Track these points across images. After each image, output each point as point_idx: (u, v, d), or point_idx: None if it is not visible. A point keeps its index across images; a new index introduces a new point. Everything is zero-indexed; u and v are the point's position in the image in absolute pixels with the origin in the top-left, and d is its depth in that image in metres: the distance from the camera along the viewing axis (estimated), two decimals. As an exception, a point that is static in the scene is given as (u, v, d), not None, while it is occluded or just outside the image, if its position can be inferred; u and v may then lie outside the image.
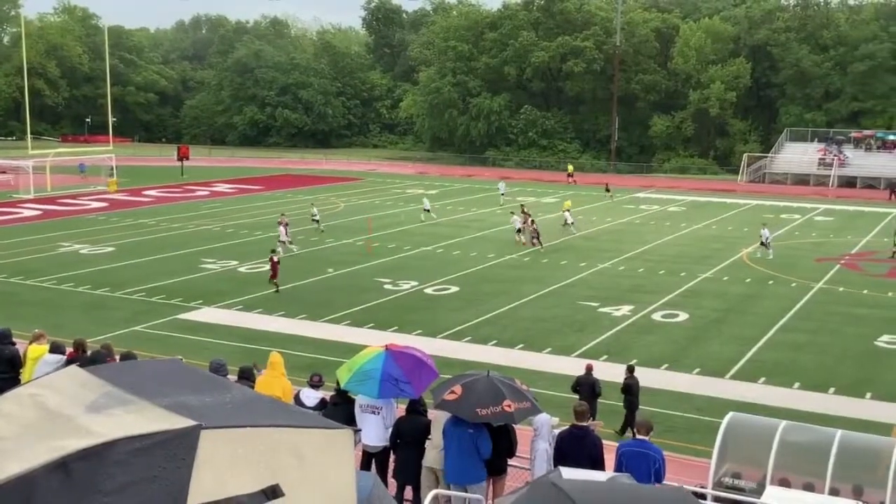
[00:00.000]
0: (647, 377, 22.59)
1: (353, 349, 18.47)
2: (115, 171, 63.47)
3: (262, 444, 2.00)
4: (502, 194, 59.83)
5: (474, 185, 70.09)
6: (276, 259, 31.97)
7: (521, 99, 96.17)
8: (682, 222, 50.79)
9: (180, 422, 1.94)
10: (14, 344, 15.63)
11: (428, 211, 49.84)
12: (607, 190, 63.77)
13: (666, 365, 23.67)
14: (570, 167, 78.66)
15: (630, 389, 18.75)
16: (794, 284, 34.03)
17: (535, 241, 40.84)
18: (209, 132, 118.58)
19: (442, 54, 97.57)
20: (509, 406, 11.48)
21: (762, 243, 39.98)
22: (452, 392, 11.58)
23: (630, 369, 19.31)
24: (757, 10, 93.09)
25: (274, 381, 13.60)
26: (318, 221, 44.93)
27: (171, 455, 1.85)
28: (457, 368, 19.08)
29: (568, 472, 2.17)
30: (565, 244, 42.20)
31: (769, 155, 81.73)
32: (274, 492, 1.86)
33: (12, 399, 2.05)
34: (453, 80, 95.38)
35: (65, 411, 1.94)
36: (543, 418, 12.27)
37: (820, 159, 78.27)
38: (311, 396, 13.30)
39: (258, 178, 72.30)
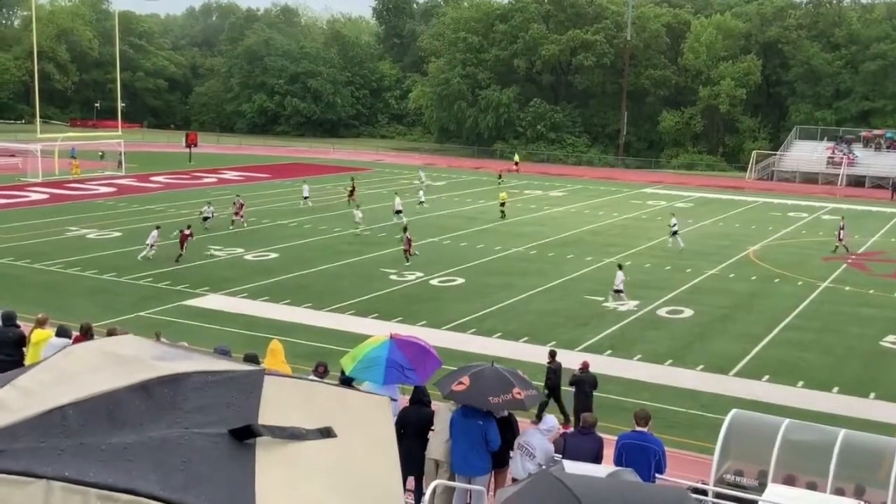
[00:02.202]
0: (651, 373, 22.64)
1: (357, 339, 18.50)
2: (74, 154, 62.98)
3: (315, 394, 2.18)
4: (423, 184, 57.98)
5: (482, 178, 70.03)
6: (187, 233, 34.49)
7: (530, 92, 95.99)
8: (688, 219, 50.68)
9: (244, 367, 2.12)
10: (18, 326, 15.69)
11: (399, 212, 44.25)
12: (500, 177, 64.97)
13: (670, 361, 23.67)
14: (517, 156, 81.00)
15: (556, 374, 18.81)
16: (800, 283, 33.97)
17: (407, 252, 34.83)
18: (218, 119, 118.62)
19: (452, 46, 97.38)
20: (519, 393, 11.55)
21: (673, 233, 40.57)
22: (460, 383, 11.61)
23: (552, 354, 19.48)
24: (769, 7, 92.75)
25: (274, 368, 13.67)
26: (358, 223, 41.57)
27: (241, 388, 2.02)
28: (461, 360, 19.10)
29: (571, 466, 2.17)
30: (573, 238, 42.15)
31: (778, 153, 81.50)
32: (329, 432, 2.05)
33: (80, 348, 2.19)
34: (463, 72, 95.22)
35: (133, 356, 2.11)
36: (546, 446, 11.84)
37: (829, 158, 78.02)
38: (315, 385, 13.33)
39: (266, 166, 72.33)
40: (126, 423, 1.88)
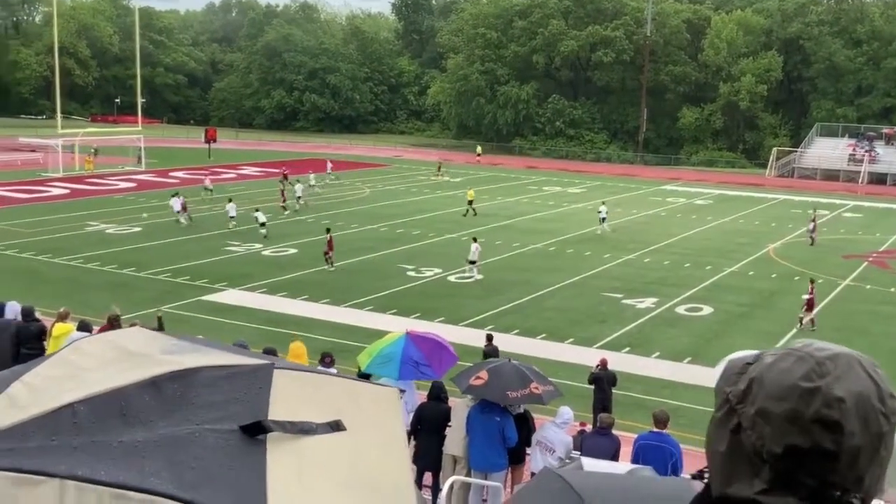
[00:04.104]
0: (670, 370, 22.54)
1: (374, 335, 18.52)
2: (93, 152, 63.54)
3: (325, 387, 2.20)
4: (312, 185, 52.73)
5: (500, 174, 69.94)
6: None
7: (549, 88, 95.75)
8: (708, 216, 50.45)
9: (254, 361, 2.13)
10: (38, 320, 15.84)
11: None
12: (439, 169, 64.35)
13: (689, 358, 23.55)
14: (479, 148, 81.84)
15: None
16: (820, 281, 33.69)
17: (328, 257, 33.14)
18: (237, 115, 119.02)
19: (471, 41, 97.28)
20: (537, 388, 11.55)
21: (602, 220, 42.31)
22: (479, 378, 11.61)
23: (489, 337, 19.94)
24: (790, 3, 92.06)
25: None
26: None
27: (250, 383, 2.03)
28: (479, 357, 19.06)
29: (590, 463, 2.15)
30: (591, 234, 42.04)
31: (799, 149, 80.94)
32: (338, 425, 2.05)
33: (87, 342, 2.19)
34: (481, 68, 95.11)
35: (141, 350, 2.11)
36: (565, 439, 11.84)
37: (850, 155, 77.40)
38: (324, 375, 13.39)
39: (284, 162, 72.44)
40: (137, 420, 1.88)
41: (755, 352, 1.49)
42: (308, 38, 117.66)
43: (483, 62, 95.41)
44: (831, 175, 75.87)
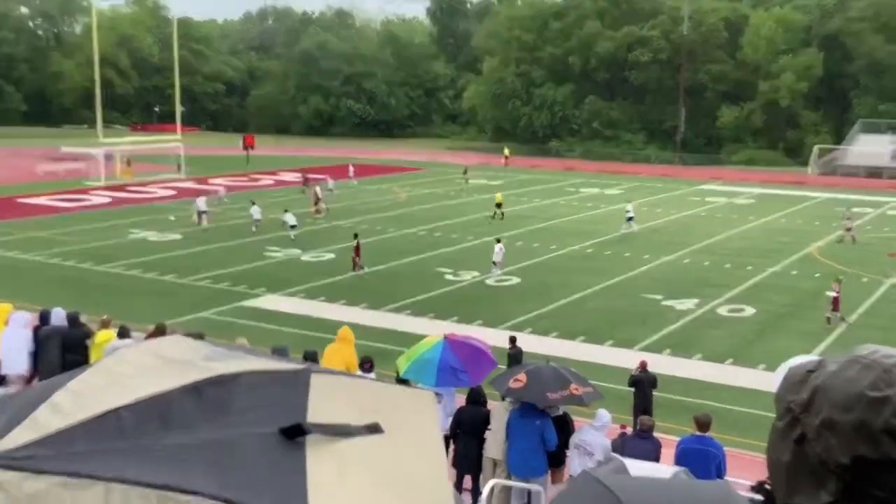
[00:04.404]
0: (712, 372, 22.28)
1: (413, 339, 18.50)
2: (129, 161, 64.41)
3: (362, 391, 2.20)
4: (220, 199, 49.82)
5: (536, 176, 69.74)
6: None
7: (585, 89, 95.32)
8: (749, 215, 49.85)
9: (291, 366, 2.14)
10: (84, 326, 16.11)
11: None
12: (465, 173, 63.03)
13: (731, 360, 23.27)
14: (507, 150, 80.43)
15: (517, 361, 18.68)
16: (865, 280, 33.16)
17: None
18: (274, 122, 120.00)
19: (506, 44, 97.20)
20: (577, 389, 11.48)
21: (629, 219, 42.55)
22: (517, 380, 11.56)
23: (513, 340, 19.54)
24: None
25: (342, 347, 14.08)
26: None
27: (289, 387, 2.06)
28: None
29: (634, 465, 2.10)
30: (630, 235, 41.73)
31: (841, 147, 79.77)
32: (376, 428, 2.05)
33: (128, 351, 2.22)
34: (517, 71, 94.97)
35: (183, 358, 2.14)
36: (603, 442, 11.76)
37: (894, 152, 76.10)
38: (363, 380, 13.47)
39: (322, 168, 72.91)
40: (179, 425, 1.90)
41: (816, 358, 1.43)
42: (344, 44, 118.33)
43: (518, 64, 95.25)
44: (875, 172, 74.65)
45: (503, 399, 12.42)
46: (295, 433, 1.96)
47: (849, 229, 41.30)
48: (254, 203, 41.94)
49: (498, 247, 32.87)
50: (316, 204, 46.87)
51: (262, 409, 2.05)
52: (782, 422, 1.40)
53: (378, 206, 50.41)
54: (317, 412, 2.07)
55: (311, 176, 56.78)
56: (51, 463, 1.79)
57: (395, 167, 74.17)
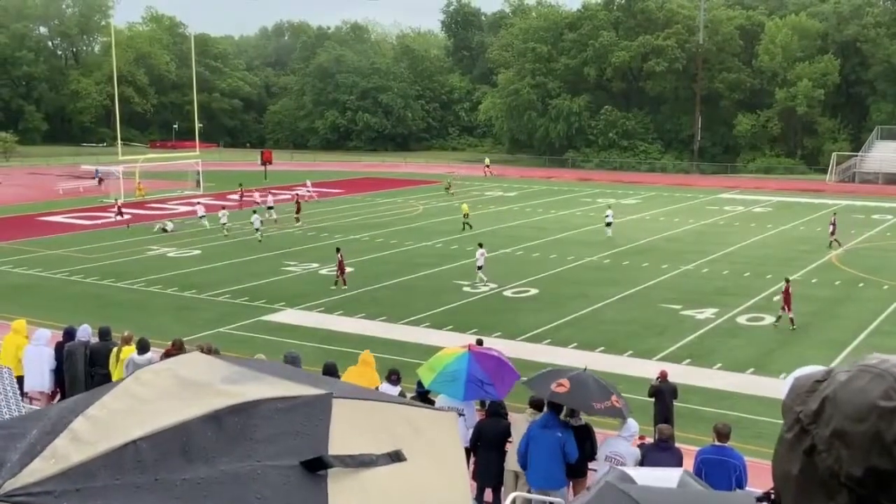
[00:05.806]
0: (732, 381, 22.17)
1: (432, 351, 18.52)
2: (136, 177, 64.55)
3: (383, 416, 2.21)
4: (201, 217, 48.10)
5: (553, 187, 69.69)
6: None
7: (601, 99, 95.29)
8: (767, 223, 49.64)
9: (313, 390, 2.15)
10: (110, 340, 16.43)
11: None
12: (448, 188, 63.10)
13: (752, 369, 23.15)
14: (487, 160, 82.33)
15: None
16: (885, 287, 32.93)
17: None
18: (291, 137, 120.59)
19: (521, 56, 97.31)
20: (618, 401, 11.46)
21: (607, 224, 43.55)
22: (561, 384, 11.46)
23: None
24: (846, 5, 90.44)
25: (364, 371, 14.05)
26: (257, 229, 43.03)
27: (310, 415, 2.05)
28: (536, 371, 18.97)
29: (635, 473, 2.13)
30: (647, 245, 41.63)
31: (859, 154, 79.33)
32: (398, 455, 2.07)
33: (147, 372, 2.25)
34: (532, 82, 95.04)
35: (202, 380, 2.16)
36: (635, 452, 11.75)
37: (913, 158, 75.64)
38: (390, 392, 13.44)
39: (339, 182, 73.16)
40: (198, 457, 1.91)
41: (824, 368, 1.42)
42: (359, 58, 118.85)
43: (534, 76, 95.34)
44: (893, 179, 74.18)
45: (529, 405, 12.27)
46: (316, 466, 1.97)
47: (832, 233, 41.32)
48: (255, 212, 44.58)
49: (480, 252, 33.42)
50: (297, 213, 48.71)
51: (283, 439, 2.04)
52: (790, 433, 1.38)
53: (395, 220, 50.50)
54: (339, 442, 2.07)
55: (252, 195, 55.81)
56: (72, 499, 1.80)
57: (412, 180, 74.29)
